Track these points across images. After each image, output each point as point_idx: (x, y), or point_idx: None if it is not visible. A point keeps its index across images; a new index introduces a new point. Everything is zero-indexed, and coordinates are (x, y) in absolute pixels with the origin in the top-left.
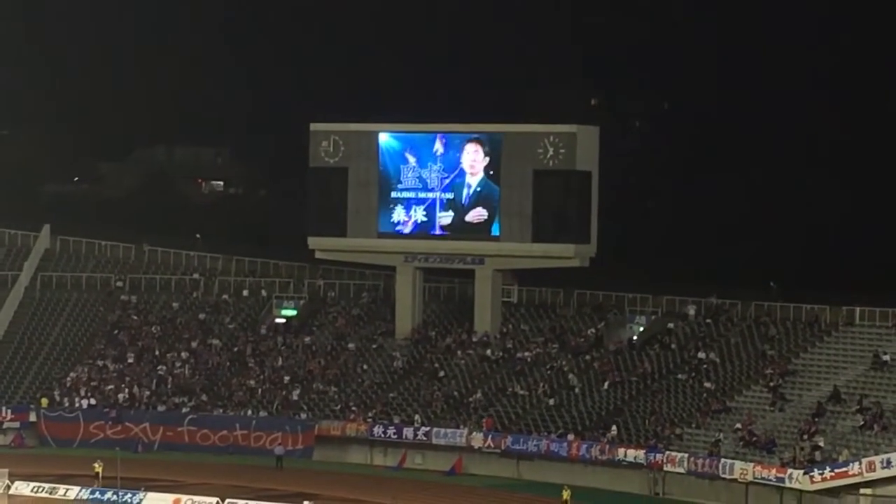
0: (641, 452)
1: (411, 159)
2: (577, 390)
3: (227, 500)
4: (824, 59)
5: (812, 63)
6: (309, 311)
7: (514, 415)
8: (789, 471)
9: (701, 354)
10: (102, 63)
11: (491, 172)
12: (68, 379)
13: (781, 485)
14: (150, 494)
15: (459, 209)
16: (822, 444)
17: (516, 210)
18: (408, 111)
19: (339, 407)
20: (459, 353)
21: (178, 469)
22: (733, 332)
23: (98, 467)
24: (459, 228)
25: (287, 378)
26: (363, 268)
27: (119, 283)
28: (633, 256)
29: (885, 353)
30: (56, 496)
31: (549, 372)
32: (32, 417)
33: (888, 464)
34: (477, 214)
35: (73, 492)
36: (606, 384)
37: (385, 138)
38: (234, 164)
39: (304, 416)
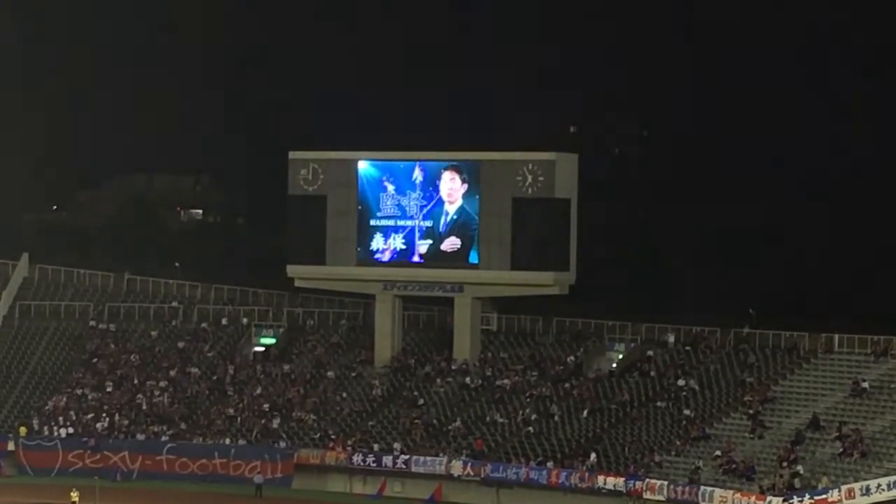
0: (621, 480)
1: (390, 187)
2: (556, 418)
3: None
4: (805, 86)
5: (792, 89)
6: (288, 339)
7: (494, 443)
8: (769, 498)
9: (680, 382)
10: (82, 90)
11: (469, 200)
12: (47, 407)
13: None
14: None
15: (437, 237)
16: (801, 471)
17: (495, 238)
18: (387, 139)
19: (318, 435)
20: (439, 380)
21: (157, 498)
22: (712, 359)
23: (75, 496)
24: (438, 256)
25: (266, 406)
26: (342, 296)
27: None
28: (612, 284)
29: (864, 380)
30: None
31: (528, 400)
32: (11, 446)
33: (867, 491)
34: (451, 244)
35: None
36: (586, 412)
37: (364, 166)
38: (212, 192)
39: (283, 444)
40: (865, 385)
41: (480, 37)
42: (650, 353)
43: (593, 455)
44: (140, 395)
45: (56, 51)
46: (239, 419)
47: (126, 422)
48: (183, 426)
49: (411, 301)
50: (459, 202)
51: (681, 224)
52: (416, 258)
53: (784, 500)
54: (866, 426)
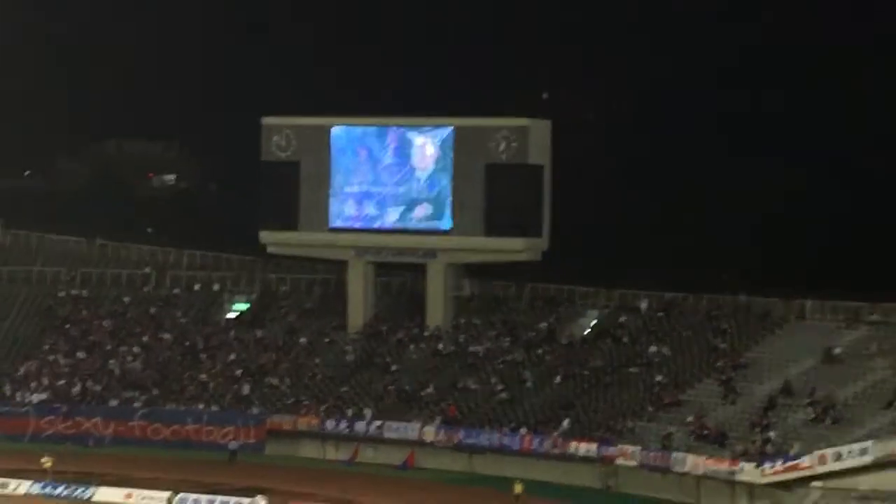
0: (594, 446)
1: (363, 153)
2: (529, 384)
3: (179, 495)
4: (781, 52)
5: (767, 55)
6: (260, 305)
7: (467, 409)
8: (741, 464)
9: (653, 348)
10: (52, 55)
11: (442, 166)
12: (19, 373)
13: (733, 478)
14: (102, 489)
15: (410, 204)
16: (773, 437)
17: (468, 204)
18: (360, 105)
19: (290, 401)
20: (411, 347)
21: (129, 463)
22: (685, 325)
23: (47, 462)
24: (411, 223)
25: (239, 372)
26: (315, 262)
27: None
28: (585, 250)
29: (836, 347)
30: (6, 491)
31: (501, 366)
32: None
33: (839, 457)
34: (423, 210)
35: (24, 486)
36: (558, 378)
37: (337, 132)
38: (185, 157)
39: (255, 410)
40: (837, 351)
41: (455, 3)
42: (623, 318)
43: (566, 421)
44: (112, 361)
45: (31, 17)
46: (211, 385)
47: (98, 388)
48: (155, 392)
49: (384, 267)
50: (432, 168)
51: (652, 189)
52: (388, 225)
53: (756, 466)
54: (838, 392)
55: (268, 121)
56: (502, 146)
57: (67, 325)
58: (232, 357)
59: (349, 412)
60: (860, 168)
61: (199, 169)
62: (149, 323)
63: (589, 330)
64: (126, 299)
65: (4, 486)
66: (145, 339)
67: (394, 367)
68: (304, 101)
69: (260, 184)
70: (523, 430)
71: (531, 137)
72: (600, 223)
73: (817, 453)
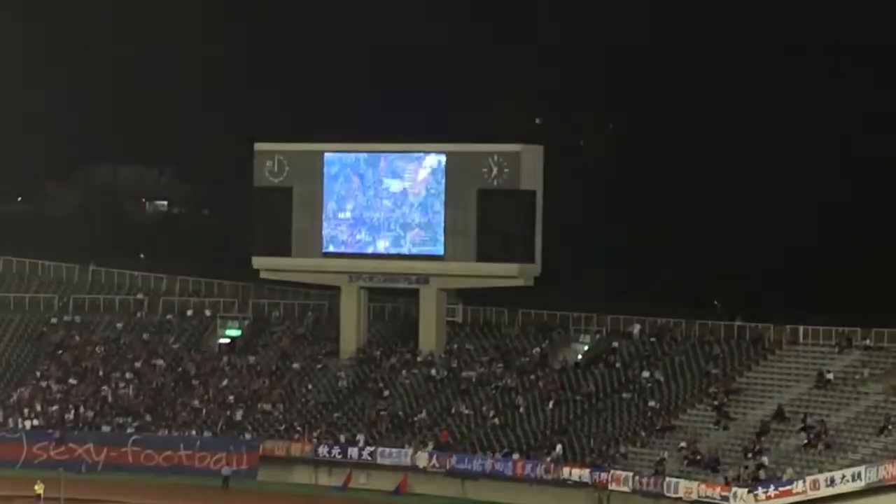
0: (586, 471)
1: (356, 179)
2: (521, 409)
3: None
4: (767, 76)
5: (756, 81)
6: (253, 330)
7: (459, 434)
8: (734, 489)
9: (645, 373)
10: (46, 81)
11: (434, 192)
12: (11, 400)
13: (726, 503)
14: None
15: (403, 229)
16: (766, 462)
17: (461, 229)
18: (352, 131)
19: (283, 427)
20: (404, 372)
21: (122, 490)
22: (677, 350)
23: (39, 488)
24: (403, 248)
25: (231, 398)
26: (308, 287)
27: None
28: (577, 276)
29: (829, 372)
30: None
31: (493, 391)
32: None
33: (832, 482)
34: (416, 235)
35: None
36: (551, 403)
37: (329, 158)
38: (178, 183)
39: (248, 436)
40: (830, 376)
41: (447, 29)
42: (615, 344)
43: (559, 446)
44: (105, 387)
45: (22, 42)
46: (204, 411)
47: (91, 414)
48: (148, 418)
49: (377, 293)
50: (424, 194)
51: (645, 215)
52: (381, 250)
53: (749, 492)
54: (831, 417)
55: (260, 146)
56: (494, 172)
57: (60, 352)
58: (224, 383)
59: (342, 438)
60: (853, 197)
61: (192, 194)
62: (141, 349)
63: (581, 355)
64: (119, 325)
65: None
66: (138, 365)
67: (386, 393)
68: (296, 127)
69: (252, 209)
70: (516, 456)
71: (523, 163)
72: (593, 249)
73: (810, 478)
